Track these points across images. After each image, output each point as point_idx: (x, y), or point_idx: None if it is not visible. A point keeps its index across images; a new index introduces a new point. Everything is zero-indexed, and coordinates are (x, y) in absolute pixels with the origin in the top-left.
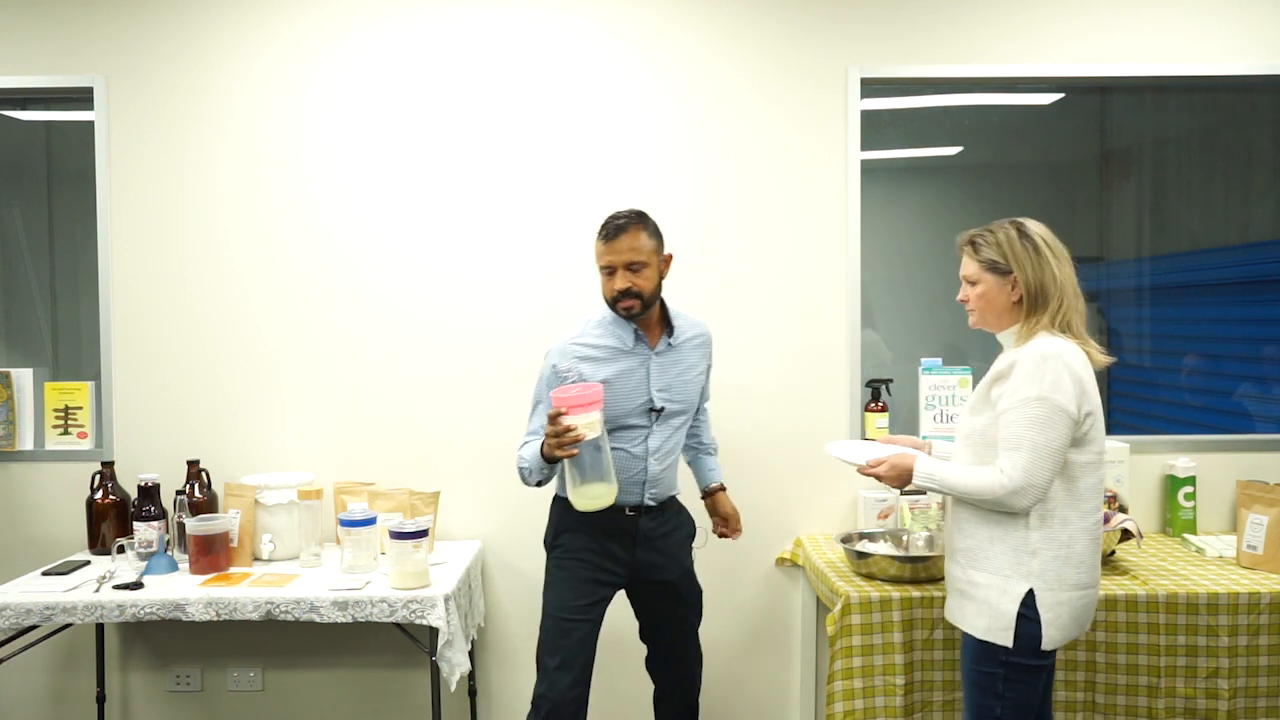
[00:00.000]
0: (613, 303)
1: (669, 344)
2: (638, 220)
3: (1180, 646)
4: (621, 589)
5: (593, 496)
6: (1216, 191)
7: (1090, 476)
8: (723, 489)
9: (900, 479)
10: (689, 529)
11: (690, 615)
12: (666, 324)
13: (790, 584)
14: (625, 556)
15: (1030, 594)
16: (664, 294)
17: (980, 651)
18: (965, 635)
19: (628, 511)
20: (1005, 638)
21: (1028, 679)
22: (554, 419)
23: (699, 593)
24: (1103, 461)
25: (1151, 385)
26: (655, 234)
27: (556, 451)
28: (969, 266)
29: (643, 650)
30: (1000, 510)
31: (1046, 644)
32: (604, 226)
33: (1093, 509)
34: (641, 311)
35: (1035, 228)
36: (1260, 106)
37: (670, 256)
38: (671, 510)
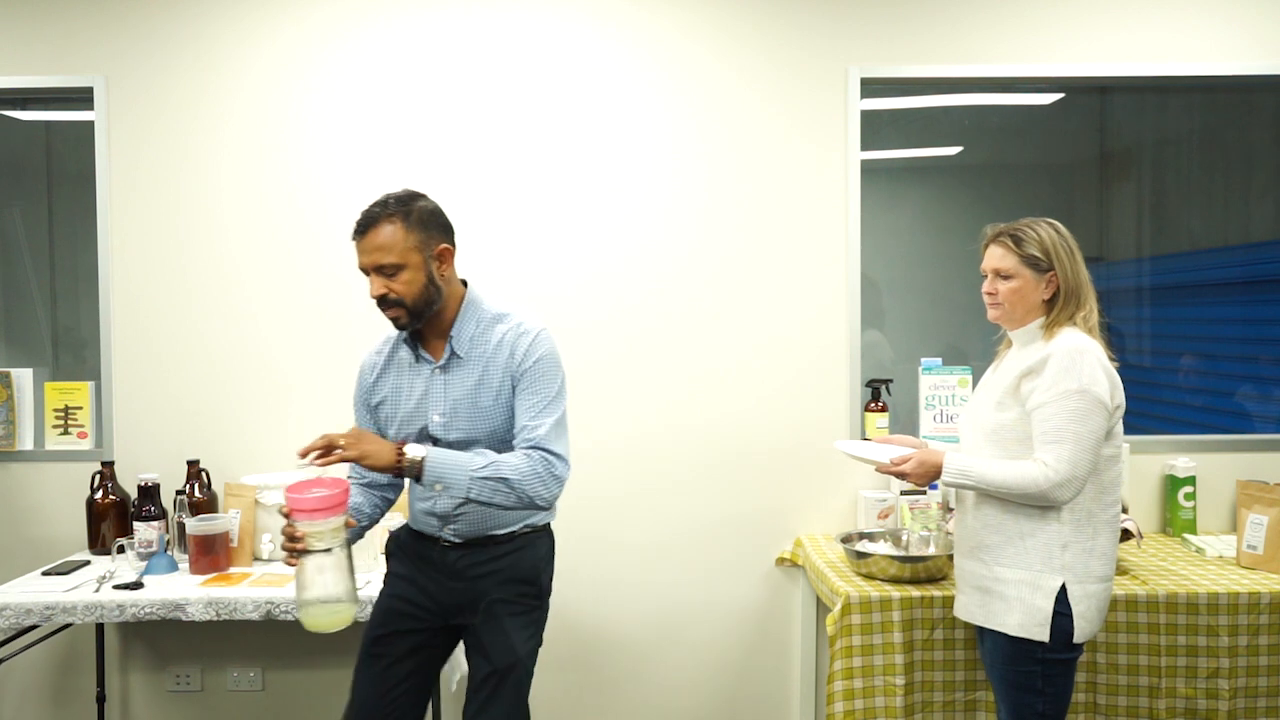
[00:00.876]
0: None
1: (454, 355)
2: (392, 211)
3: (1180, 647)
4: (438, 629)
5: (315, 620)
6: (1216, 191)
7: (1113, 469)
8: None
9: (927, 476)
10: (525, 576)
11: (494, 701)
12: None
13: (790, 584)
14: (434, 589)
15: (1063, 588)
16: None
17: (1014, 651)
18: (992, 634)
19: (442, 541)
20: (1041, 633)
21: (1064, 671)
22: (288, 516)
23: (517, 674)
24: (1121, 455)
25: (1151, 385)
26: (420, 224)
27: (285, 556)
28: (1006, 260)
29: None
30: (1038, 504)
31: (1079, 637)
32: (357, 220)
33: (1114, 501)
34: (411, 321)
35: (1064, 228)
36: (1260, 106)
37: (447, 249)
38: (501, 549)
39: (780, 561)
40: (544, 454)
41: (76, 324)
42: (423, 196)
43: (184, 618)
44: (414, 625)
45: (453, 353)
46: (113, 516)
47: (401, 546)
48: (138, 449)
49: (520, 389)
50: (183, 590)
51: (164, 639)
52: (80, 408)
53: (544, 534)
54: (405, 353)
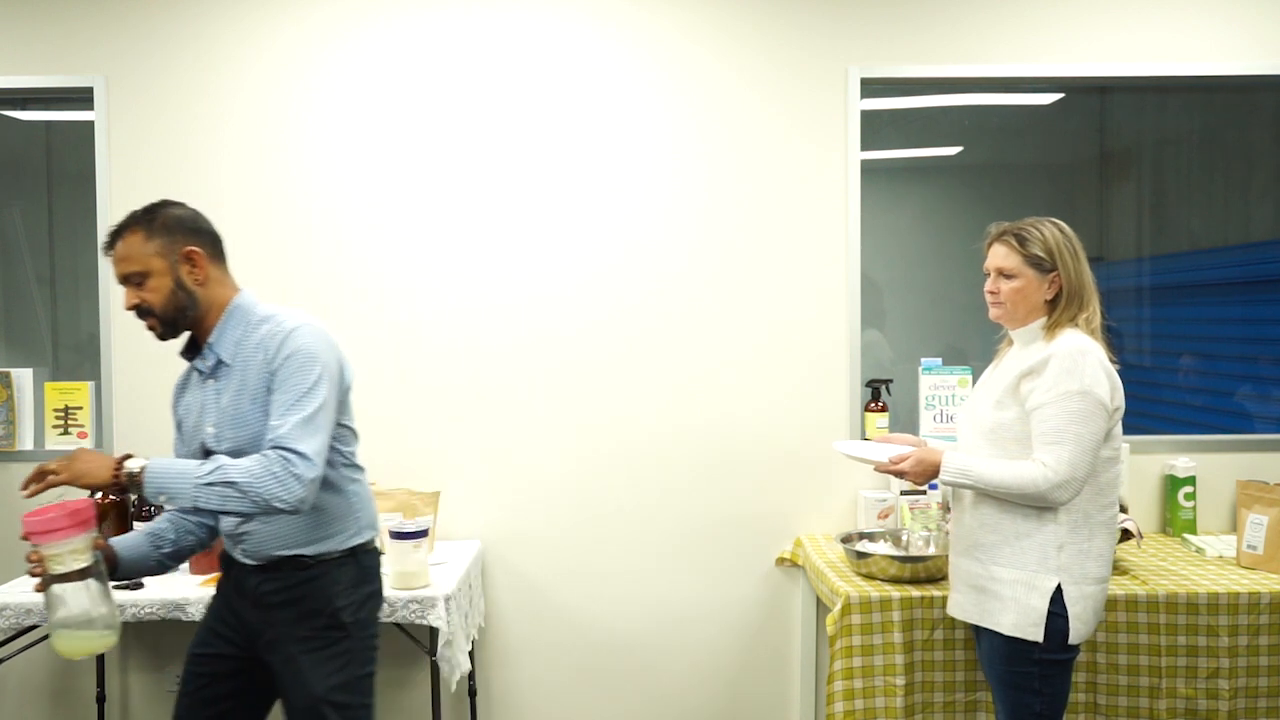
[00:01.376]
0: None
1: (221, 363)
2: (135, 221)
3: (1180, 647)
4: (243, 655)
5: (61, 644)
6: (1216, 191)
7: (1110, 471)
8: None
9: (926, 475)
10: (318, 608)
11: None
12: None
13: (790, 584)
14: (240, 610)
15: (1059, 589)
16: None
17: (1010, 651)
18: (988, 633)
19: (240, 563)
20: (1035, 634)
21: (1061, 671)
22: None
23: (323, 714)
24: (1119, 456)
25: (1151, 385)
26: (164, 229)
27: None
28: (1009, 259)
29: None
30: (1036, 505)
31: (1074, 638)
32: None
33: (1111, 503)
34: (166, 330)
35: (1069, 229)
36: (1260, 106)
37: (195, 251)
38: (297, 576)
39: (780, 561)
40: (283, 453)
41: (76, 324)
42: (174, 204)
43: (184, 618)
44: (227, 650)
45: (219, 360)
46: (113, 517)
47: (225, 566)
48: (138, 449)
49: (273, 389)
50: (183, 590)
51: (164, 639)
52: (80, 408)
53: (346, 560)
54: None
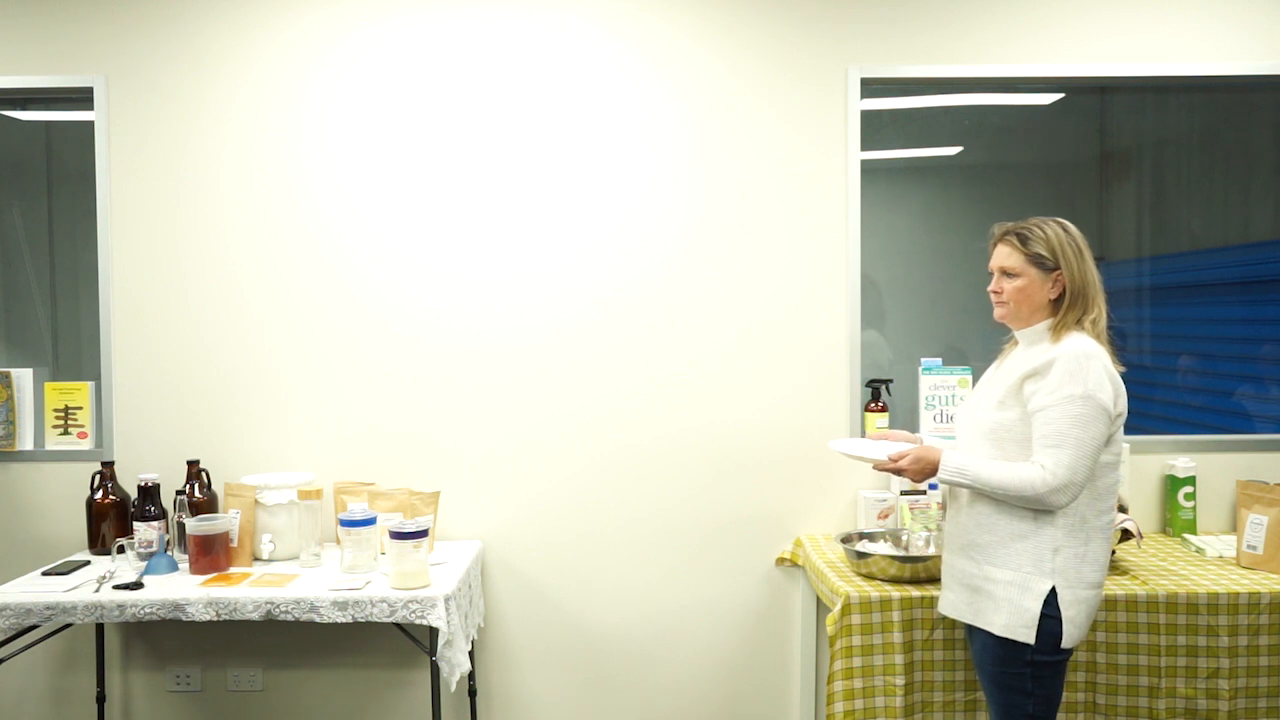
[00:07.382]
0: None
1: None
2: None
3: (1180, 647)
4: None
5: None
6: (1216, 191)
7: (1110, 476)
8: None
9: (923, 473)
10: None
11: None
12: None
13: (790, 584)
14: None
15: (1053, 592)
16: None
17: (1002, 652)
18: (980, 633)
19: None
20: (1027, 635)
21: (1053, 673)
22: None
23: None
24: (1119, 461)
25: (1151, 385)
26: None
27: None
28: (1012, 258)
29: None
30: (1034, 507)
31: (1067, 642)
32: None
33: (1109, 508)
34: None
35: (1074, 228)
36: (1260, 106)
37: None
38: None
39: (780, 561)
40: None
41: (76, 324)
42: None
43: (184, 618)
44: None
45: None
46: (113, 516)
47: None
48: (138, 449)
49: None
50: (183, 590)
51: (164, 639)
52: (80, 408)
53: None
54: None
